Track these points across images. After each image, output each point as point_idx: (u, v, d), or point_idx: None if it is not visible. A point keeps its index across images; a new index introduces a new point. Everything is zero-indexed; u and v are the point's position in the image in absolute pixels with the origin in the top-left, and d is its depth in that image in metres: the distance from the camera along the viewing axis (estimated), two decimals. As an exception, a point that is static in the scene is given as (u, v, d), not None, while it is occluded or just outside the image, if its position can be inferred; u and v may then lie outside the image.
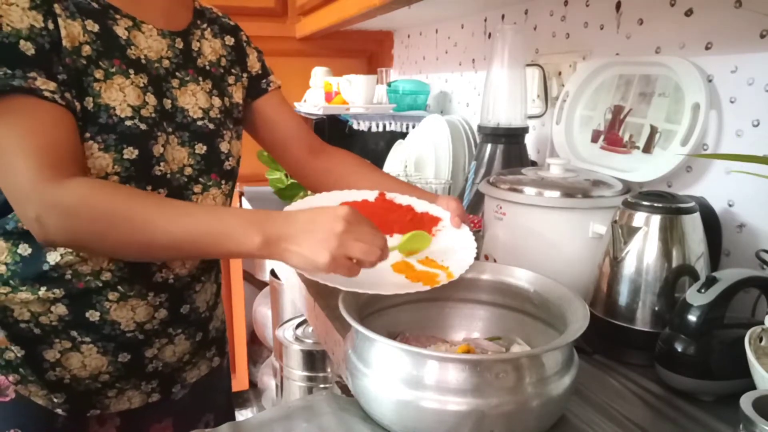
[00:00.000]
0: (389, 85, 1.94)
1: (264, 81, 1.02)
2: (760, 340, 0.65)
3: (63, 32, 0.72)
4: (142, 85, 0.79)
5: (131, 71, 0.79)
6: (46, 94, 0.70)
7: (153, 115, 0.80)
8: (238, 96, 0.96)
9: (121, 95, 0.77)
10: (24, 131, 0.69)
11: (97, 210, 0.68)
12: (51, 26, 0.72)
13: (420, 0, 1.36)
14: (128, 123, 0.77)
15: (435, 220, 0.87)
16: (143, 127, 0.78)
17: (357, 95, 1.83)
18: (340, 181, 1.00)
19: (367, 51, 2.43)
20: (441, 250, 0.81)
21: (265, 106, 1.02)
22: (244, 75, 0.99)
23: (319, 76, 2.08)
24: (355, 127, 1.71)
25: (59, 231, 0.69)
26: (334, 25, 1.90)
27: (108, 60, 0.76)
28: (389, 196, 0.91)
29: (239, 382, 2.46)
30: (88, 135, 0.75)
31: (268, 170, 1.65)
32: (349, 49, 2.38)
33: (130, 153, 0.77)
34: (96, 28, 0.76)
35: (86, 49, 0.75)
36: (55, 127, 0.71)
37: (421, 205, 0.90)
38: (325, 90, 1.94)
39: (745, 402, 0.50)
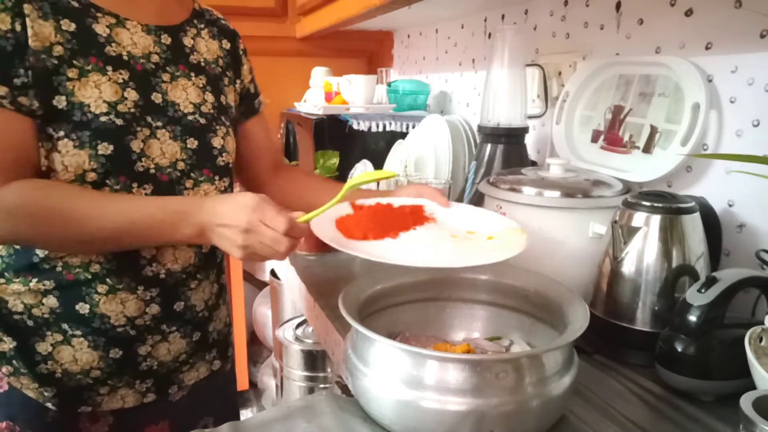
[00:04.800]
0: (389, 85, 1.94)
1: (256, 101, 1.05)
2: (760, 340, 0.65)
3: (30, 32, 0.73)
4: (121, 81, 0.80)
5: (109, 68, 0.79)
6: None
7: (132, 110, 0.80)
8: (231, 98, 0.97)
9: (96, 92, 0.78)
10: None
11: (33, 210, 0.73)
12: (18, 28, 0.73)
13: (420, 0, 1.36)
14: (103, 119, 0.78)
15: (419, 209, 0.87)
16: (119, 122, 0.79)
17: (357, 95, 1.83)
18: (294, 197, 1.04)
19: (367, 51, 2.43)
20: (472, 224, 0.83)
21: (255, 126, 1.05)
22: (238, 81, 1.00)
23: (319, 76, 2.08)
24: (355, 127, 1.70)
25: (4, 232, 0.74)
26: (334, 25, 1.90)
27: (84, 58, 0.77)
28: (366, 202, 0.88)
29: (239, 382, 2.44)
30: (62, 133, 0.76)
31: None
32: (349, 49, 2.38)
33: (105, 149, 0.78)
34: (72, 27, 0.77)
35: (58, 49, 0.75)
36: (1, 132, 0.74)
37: (398, 201, 0.90)
38: (325, 90, 1.93)
39: (745, 402, 0.50)
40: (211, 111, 0.90)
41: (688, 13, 0.99)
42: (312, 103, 1.99)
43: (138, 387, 0.87)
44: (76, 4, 0.78)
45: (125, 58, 0.81)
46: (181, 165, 0.85)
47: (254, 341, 2.54)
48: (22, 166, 0.75)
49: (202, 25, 0.94)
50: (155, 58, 0.84)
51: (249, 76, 1.03)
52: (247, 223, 0.72)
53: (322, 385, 1.65)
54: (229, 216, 0.73)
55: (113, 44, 0.80)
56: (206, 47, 0.93)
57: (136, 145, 0.80)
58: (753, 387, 0.61)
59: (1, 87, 0.72)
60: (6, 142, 0.74)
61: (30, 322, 0.81)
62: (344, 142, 1.68)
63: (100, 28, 0.79)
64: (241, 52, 1.01)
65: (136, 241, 0.80)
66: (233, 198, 0.75)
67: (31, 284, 0.80)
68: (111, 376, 0.85)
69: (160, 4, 0.86)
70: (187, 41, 0.90)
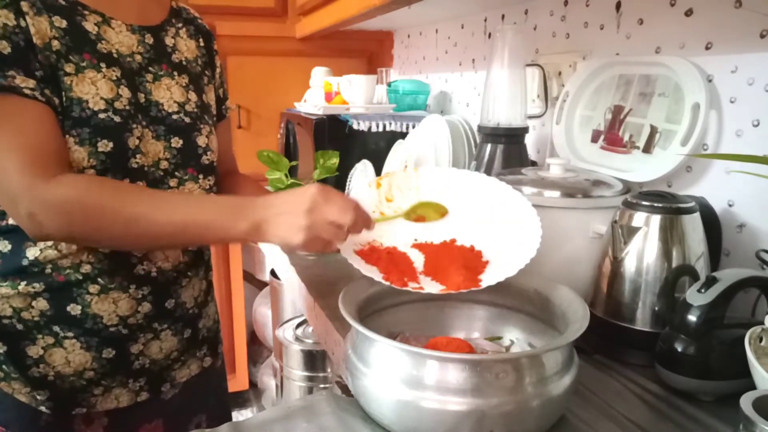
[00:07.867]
0: (389, 85, 1.94)
1: (224, 107, 1.05)
2: (760, 340, 0.65)
3: (32, 29, 0.73)
4: (114, 78, 0.80)
5: (103, 65, 0.79)
6: (27, 91, 0.71)
7: (127, 107, 0.81)
8: (211, 97, 0.97)
9: (93, 88, 0.77)
10: (9, 130, 0.71)
11: (89, 207, 0.72)
12: (23, 24, 0.73)
13: (420, 0, 1.36)
14: (102, 116, 0.78)
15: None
16: (117, 119, 0.79)
17: (357, 95, 1.83)
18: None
19: (367, 51, 2.43)
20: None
21: (222, 130, 1.04)
22: (214, 81, 1.00)
23: (319, 76, 2.08)
24: (355, 127, 1.70)
25: (55, 228, 0.72)
26: (334, 25, 1.90)
27: (78, 54, 0.77)
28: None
29: (239, 382, 2.46)
30: (63, 130, 0.75)
31: (268, 170, 1.64)
32: (349, 49, 2.38)
33: (105, 146, 0.78)
34: (64, 23, 0.77)
35: (55, 44, 0.75)
36: (39, 124, 0.73)
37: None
38: (325, 90, 1.93)
39: (745, 402, 0.50)
40: (195, 110, 0.91)
41: (688, 13, 0.99)
42: (312, 103, 1.99)
43: (131, 386, 0.87)
44: (63, 2, 0.78)
45: (115, 55, 0.81)
46: (164, 164, 0.85)
47: (254, 341, 2.54)
48: (63, 159, 0.75)
49: (180, 24, 0.94)
50: (138, 58, 0.84)
51: (220, 80, 1.03)
52: (311, 202, 0.70)
53: (322, 385, 1.65)
54: (290, 201, 0.72)
55: (103, 41, 0.80)
56: (186, 46, 0.93)
57: (132, 142, 0.81)
58: (753, 387, 0.61)
59: (28, 80, 0.72)
60: (46, 132, 0.73)
61: (20, 326, 0.80)
62: (344, 142, 1.68)
63: (90, 26, 0.79)
64: (215, 53, 1.01)
65: (191, 240, 0.80)
66: (291, 189, 0.74)
67: (20, 287, 0.79)
68: (104, 377, 0.84)
69: (139, 3, 0.86)
70: (168, 41, 0.90)
